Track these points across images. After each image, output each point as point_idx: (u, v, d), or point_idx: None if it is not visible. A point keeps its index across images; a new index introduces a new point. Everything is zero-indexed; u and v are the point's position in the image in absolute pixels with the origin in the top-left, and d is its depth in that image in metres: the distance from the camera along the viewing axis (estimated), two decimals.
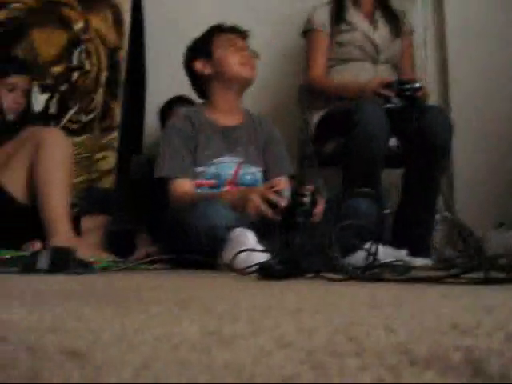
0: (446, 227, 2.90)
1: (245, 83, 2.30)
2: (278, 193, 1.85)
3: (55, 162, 2.20)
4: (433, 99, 2.83)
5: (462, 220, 2.74)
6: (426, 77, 2.96)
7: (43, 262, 1.47)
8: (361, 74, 2.71)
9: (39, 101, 3.06)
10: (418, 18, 2.97)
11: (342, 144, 2.50)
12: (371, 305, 0.73)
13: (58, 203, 2.17)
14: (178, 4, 3.64)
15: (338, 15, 2.77)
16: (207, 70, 2.28)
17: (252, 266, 1.49)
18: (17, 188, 2.25)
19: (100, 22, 3.44)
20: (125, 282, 1.22)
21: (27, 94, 2.66)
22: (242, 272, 1.53)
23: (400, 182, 2.63)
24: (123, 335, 0.47)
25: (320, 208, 1.88)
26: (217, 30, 2.35)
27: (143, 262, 1.84)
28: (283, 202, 1.81)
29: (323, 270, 1.34)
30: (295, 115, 3.06)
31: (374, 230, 1.53)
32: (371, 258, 1.34)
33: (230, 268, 1.62)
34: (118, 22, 3.53)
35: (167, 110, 3.15)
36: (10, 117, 2.59)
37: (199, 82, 2.35)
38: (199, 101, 2.49)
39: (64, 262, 1.48)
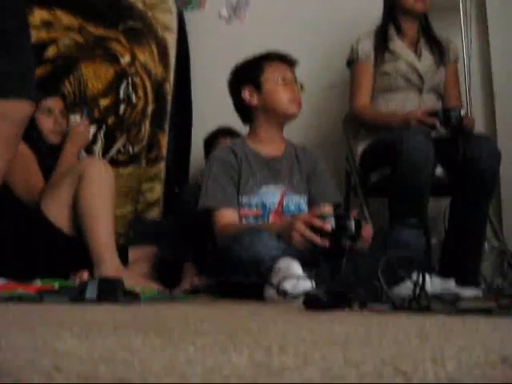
0: (495, 256, 2.84)
1: (290, 118, 2.31)
2: (321, 218, 1.84)
3: (98, 193, 2.22)
4: (479, 127, 2.80)
5: (511, 249, 2.69)
6: (471, 105, 2.93)
7: (91, 292, 1.49)
8: (406, 104, 2.70)
9: None
10: (462, 45, 2.94)
11: (387, 174, 2.49)
12: (419, 337, 0.73)
13: (102, 234, 2.19)
14: (222, 37, 3.70)
15: (381, 45, 2.77)
16: (254, 101, 2.28)
17: (299, 294, 1.49)
18: (61, 219, 2.28)
19: (146, 56, 3.51)
20: (172, 312, 1.23)
21: (64, 115, 2.72)
22: (289, 300, 1.53)
23: (447, 211, 2.60)
24: (174, 367, 0.48)
25: (367, 231, 1.87)
26: (267, 58, 2.34)
27: (189, 291, 1.85)
28: (328, 226, 1.80)
29: (370, 301, 1.33)
30: (341, 145, 3.06)
31: (421, 260, 1.51)
32: (418, 288, 1.32)
33: (277, 296, 1.62)
34: (163, 55, 3.60)
35: (211, 141, 3.18)
36: (55, 140, 2.64)
37: (243, 107, 2.36)
38: (243, 132, 2.51)
39: (111, 292, 1.50)
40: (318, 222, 1.82)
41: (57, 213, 2.27)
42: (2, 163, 1.87)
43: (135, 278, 2.13)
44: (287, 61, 2.35)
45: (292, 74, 2.32)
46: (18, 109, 1.84)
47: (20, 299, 1.49)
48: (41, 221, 2.27)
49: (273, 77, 2.28)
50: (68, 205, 2.26)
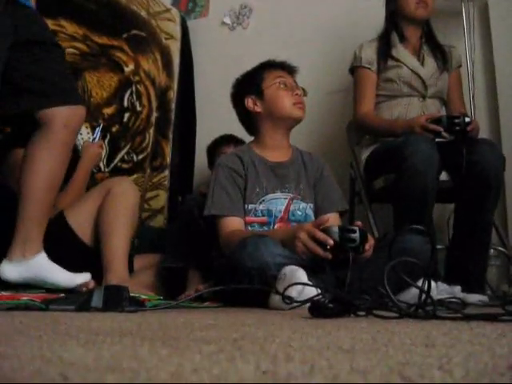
0: (501, 262, 2.84)
1: (295, 122, 2.32)
2: (325, 230, 1.84)
3: (121, 210, 2.27)
4: (483, 132, 2.79)
5: None
6: (475, 110, 2.93)
7: (97, 300, 1.49)
8: (409, 110, 2.70)
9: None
10: (466, 51, 2.94)
11: (391, 180, 2.49)
12: (425, 344, 0.72)
13: (117, 246, 2.23)
14: (226, 44, 3.72)
15: (384, 52, 2.78)
16: (258, 109, 2.31)
17: (305, 300, 1.49)
18: (83, 230, 2.32)
19: (150, 64, 3.52)
20: (177, 320, 1.23)
21: None
22: (294, 308, 1.53)
23: (451, 217, 2.59)
24: (180, 375, 0.48)
25: (370, 244, 1.87)
26: (267, 67, 2.37)
27: (193, 298, 1.85)
28: (330, 241, 1.79)
29: (375, 308, 1.33)
30: (345, 152, 3.06)
31: (427, 266, 1.50)
32: (424, 295, 1.32)
33: (282, 304, 1.61)
34: (167, 63, 3.61)
35: (215, 149, 3.19)
36: None
37: (248, 118, 2.37)
38: (246, 139, 2.52)
39: (117, 300, 1.50)
40: (321, 236, 1.82)
41: (79, 222, 2.31)
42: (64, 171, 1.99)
43: (139, 286, 2.14)
44: (287, 68, 2.37)
45: (293, 80, 2.34)
46: (77, 114, 1.95)
47: (26, 308, 1.49)
48: (62, 226, 2.29)
49: (274, 83, 2.30)
50: (91, 217, 2.31)
